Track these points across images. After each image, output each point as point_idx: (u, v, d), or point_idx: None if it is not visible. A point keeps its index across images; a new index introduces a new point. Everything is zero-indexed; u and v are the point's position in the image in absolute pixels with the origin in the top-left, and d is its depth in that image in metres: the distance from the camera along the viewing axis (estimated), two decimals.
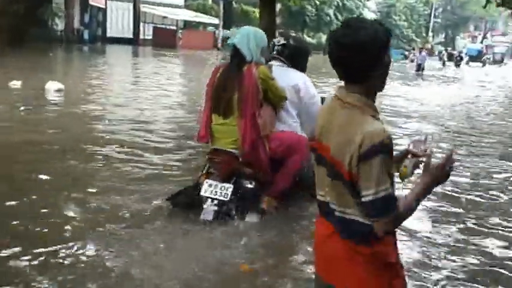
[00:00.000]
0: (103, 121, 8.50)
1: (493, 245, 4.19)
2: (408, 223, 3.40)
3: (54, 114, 8.77)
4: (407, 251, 3.83)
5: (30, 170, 5.24)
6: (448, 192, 5.46)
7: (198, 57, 29.16)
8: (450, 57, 46.01)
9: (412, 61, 48.19)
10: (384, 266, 1.83)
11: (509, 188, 6.07)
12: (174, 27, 40.59)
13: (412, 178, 1.99)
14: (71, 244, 3.56)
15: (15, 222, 3.90)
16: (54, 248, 3.48)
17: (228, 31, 37.56)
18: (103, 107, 9.88)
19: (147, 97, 11.59)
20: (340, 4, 48.32)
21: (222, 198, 3.95)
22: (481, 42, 77.18)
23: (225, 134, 4.03)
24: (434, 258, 3.84)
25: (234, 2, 44.87)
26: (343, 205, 1.82)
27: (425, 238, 4.22)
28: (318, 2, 45.77)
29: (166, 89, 13.53)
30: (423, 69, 30.81)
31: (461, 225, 4.61)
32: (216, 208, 3.96)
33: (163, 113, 9.84)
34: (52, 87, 10.89)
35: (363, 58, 1.74)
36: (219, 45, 38.54)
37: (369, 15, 58.67)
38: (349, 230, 1.82)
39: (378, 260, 1.82)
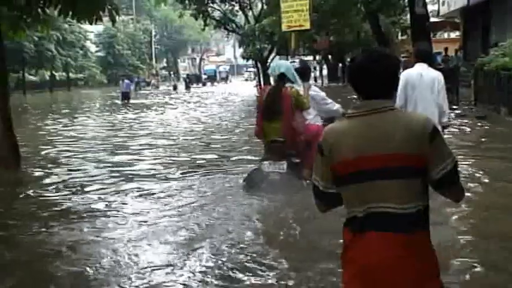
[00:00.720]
0: None
1: None
2: None
3: None
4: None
5: None
6: None
7: None
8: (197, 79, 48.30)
9: (156, 87, 48.69)
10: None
11: None
12: None
13: None
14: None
15: None
16: None
17: None
18: None
19: None
20: (61, 38, 45.72)
21: (280, 171, 6.11)
22: (199, 63, 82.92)
23: (275, 131, 6.18)
24: None
25: None
26: (408, 201, 1.96)
27: None
28: (36, 38, 42.27)
29: None
30: (129, 98, 28.66)
31: None
32: (277, 177, 6.11)
33: None
34: None
35: (396, 76, 2.17)
36: None
37: (92, 47, 57.24)
38: (415, 222, 1.96)
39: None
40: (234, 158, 9.07)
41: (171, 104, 27.04)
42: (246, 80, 63.84)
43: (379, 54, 2.12)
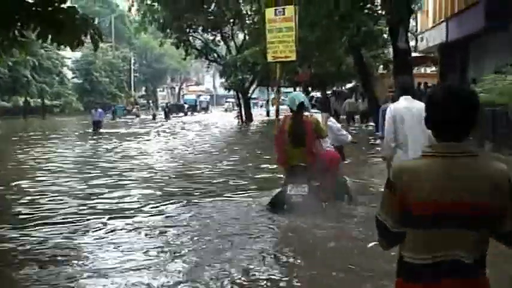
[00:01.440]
0: None
1: None
2: None
3: None
4: None
5: None
6: None
7: None
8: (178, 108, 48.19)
9: (137, 116, 48.27)
10: None
11: None
12: None
13: None
14: None
15: None
16: None
17: None
18: None
19: None
20: (37, 64, 45.01)
21: (302, 193, 6.60)
22: (178, 93, 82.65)
23: (298, 156, 6.75)
24: None
25: None
26: (476, 249, 1.93)
27: None
28: (10, 63, 41.57)
29: None
30: (100, 127, 27.71)
31: None
32: (300, 200, 6.58)
33: None
34: None
35: (477, 116, 1.99)
36: None
37: (69, 73, 56.49)
38: (480, 267, 1.96)
39: None
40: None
41: (146, 135, 26.29)
42: (226, 110, 63.69)
43: (466, 92, 2.00)
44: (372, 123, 22.54)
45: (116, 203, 8.17)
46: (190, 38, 34.96)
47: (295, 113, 6.87)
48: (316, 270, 4.86)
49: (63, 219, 7.08)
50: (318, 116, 7.33)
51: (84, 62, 55.80)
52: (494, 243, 2.02)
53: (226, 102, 72.92)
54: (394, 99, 7.08)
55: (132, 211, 7.50)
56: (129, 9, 36.98)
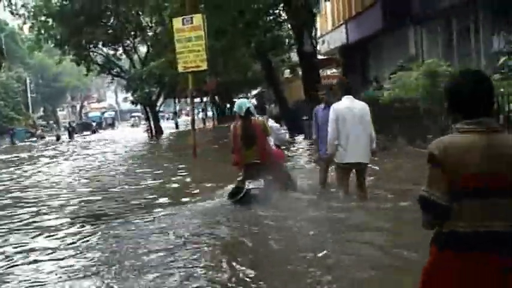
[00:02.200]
0: None
1: None
2: None
3: None
4: None
5: None
6: None
7: None
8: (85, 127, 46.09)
9: (42, 137, 45.66)
10: None
11: None
12: None
13: None
14: None
15: None
16: None
17: None
18: None
19: None
20: None
21: (259, 186, 7.53)
22: (80, 111, 79.45)
23: (251, 155, 7.43)
24: None
25: None
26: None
27: None
28: None
29: None
30: None
31: None
32: (257, 191, 7.48)
33: None
34: None
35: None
36: None
37: None
38: None
39: None
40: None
41: (54, 157, 24.73)
42: (133, 125, 62.08)
43: (484, 75, 2.22)
44: (285, 127, 22.90)
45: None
46: (91, 53, 33.69)
47: (244, 117, 7.47)
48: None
49: None
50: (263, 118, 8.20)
51: None
52: None
53: (132, 117, 71.15)
54: (328, 102, 7.32)
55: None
56: (21, 28, 34.96)
